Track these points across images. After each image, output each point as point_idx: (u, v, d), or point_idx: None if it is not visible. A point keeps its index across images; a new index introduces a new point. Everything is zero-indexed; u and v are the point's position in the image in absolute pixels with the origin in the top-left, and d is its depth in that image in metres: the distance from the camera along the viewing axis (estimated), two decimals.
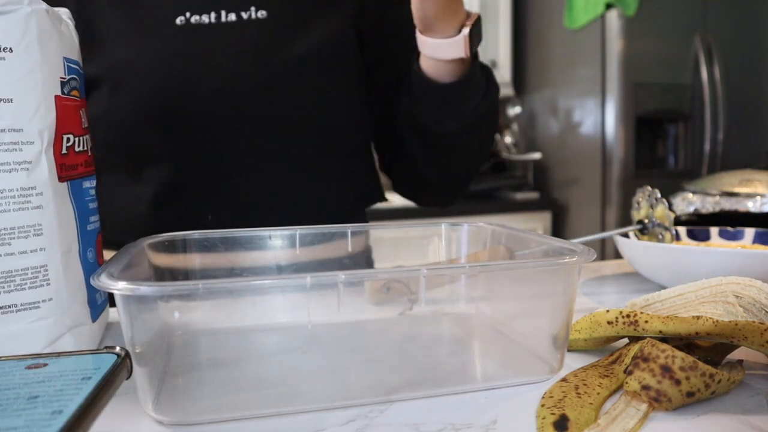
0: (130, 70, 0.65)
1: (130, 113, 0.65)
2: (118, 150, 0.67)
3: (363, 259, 0.56)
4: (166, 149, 0.66)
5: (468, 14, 0.61)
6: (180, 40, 0.66)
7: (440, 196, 0.81)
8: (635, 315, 0.36)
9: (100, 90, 0.65)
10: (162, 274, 0.44)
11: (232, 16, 0.67)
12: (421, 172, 0.75)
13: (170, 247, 0.45)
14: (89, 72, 0.63)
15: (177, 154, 0.65)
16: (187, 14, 0.67)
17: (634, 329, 0.36)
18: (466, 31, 0.59)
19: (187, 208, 0.68)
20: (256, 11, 0.68)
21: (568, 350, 0.41)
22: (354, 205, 0.77)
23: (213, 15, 0.67)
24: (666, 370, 0.31)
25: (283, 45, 0.68)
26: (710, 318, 0.33)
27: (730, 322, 0.33)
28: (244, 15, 0.68)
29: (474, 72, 0.65)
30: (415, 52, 0.68)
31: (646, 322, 0.35)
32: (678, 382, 0.31)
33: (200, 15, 0.67)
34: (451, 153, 0.72)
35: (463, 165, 0.76)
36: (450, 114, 0.67)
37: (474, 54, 0.63)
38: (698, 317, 0.33)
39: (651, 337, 0.36)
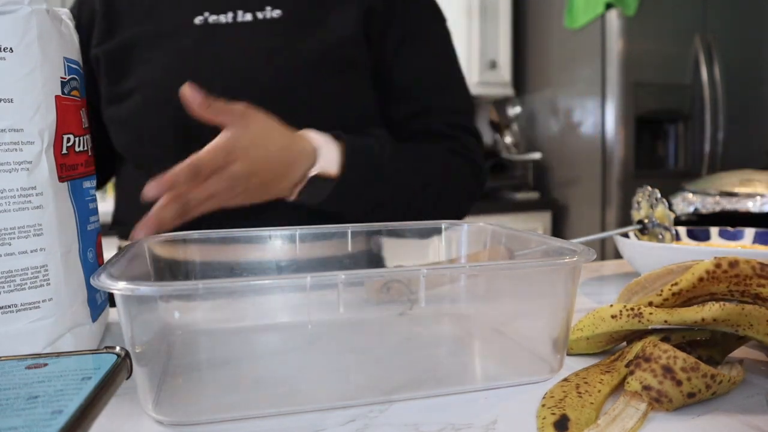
0: (151, 71, 0.67)
1: (151, 113, 0.66)
2: (140, 147, 0.68)
3: (366, 259, 0.55)
4: (181, 149, 0.63)
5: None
6: (197, 40, 0.67)
7: None
8: (639, 307, 0.36)
9: (131, 93, 0.67)
10: (162, 273, 0.44)
11: (248, 16, 0.68)
12: None
13: (170, 247, 0.45)
14: (119, 80, 0.66)
15: (189, 153, 0.64)
16: (206, 14, 0.68)
17: (639, 321, 0.35)
18: (294, 194, 0.60)
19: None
20: (272, 10, 0.68)
21: (570, 353, 0.41)
22: None
23: (230, 15, 0.68)
24: (667, 370, 0.31)
25: (295, 45, 0.68)
26: (716, 303, 0.33)
27: (736, 305, 0.33)
28: (260, 14, 0.68)
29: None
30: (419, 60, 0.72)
31: (651, 313, 0.35)
32: (679, 383, 0.31)
33: (218, 15, 0.68)
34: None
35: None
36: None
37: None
38: (704, 304, 0.33)
39: (655, 328, 0.36)
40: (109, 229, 0.76)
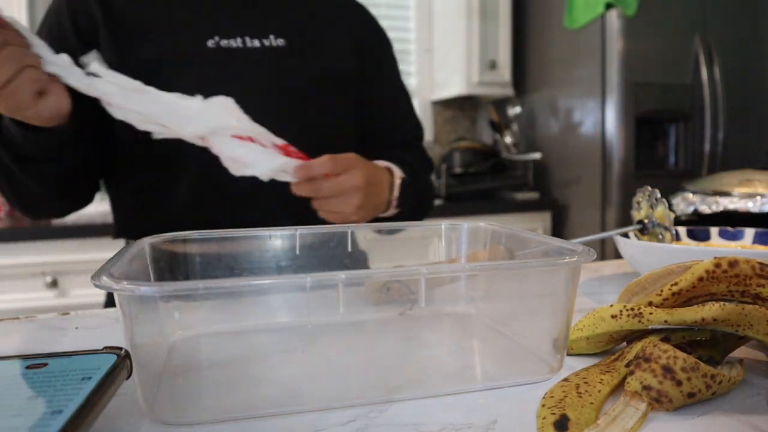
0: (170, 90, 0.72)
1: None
2: (157, 160, 0.75)
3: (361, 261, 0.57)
4: (199, 160, 0.68)
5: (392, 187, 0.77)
6: (211, 63, 0.75)
7: None
8: (639, 307, 0.36)
9: None
10: (162, 273, 0.44)
11: (256, 43, 0.77)
12: None
13: (170, 247, 0.45)
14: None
15: (208, 164, 0.66)
16: (217, 38, 0.75)
17: (639, 321, 0.35)
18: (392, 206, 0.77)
19: (218, 210, 0.77)
20: (275, 39, 0.78)
21: (570, 353, 0.41)
22: None
23: (239, 40, 0.76)
24: (667, 370, 0.31)
25: (296, 71, 0.79)
26: (716, 303, 0.33)
27: (736, 305, 0.33)
28: (266, 42, 0.78)
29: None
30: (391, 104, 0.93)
31: (651, 313, 0.35)
32: (679, 383, 0.31)
33: (228, 39, 0.76)
34: None
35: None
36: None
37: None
38: (704, 304, 0.33)
39: (655, 328, 0.36)
40: (114, 238, 0.84)
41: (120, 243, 0.87)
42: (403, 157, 0.84)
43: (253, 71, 0.76)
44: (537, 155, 2.20)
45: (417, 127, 0.96)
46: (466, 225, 0.52)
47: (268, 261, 0.49)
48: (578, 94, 2.07)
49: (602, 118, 1.96)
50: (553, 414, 0.30)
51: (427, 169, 0.92)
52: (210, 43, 0.75)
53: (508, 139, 2.35)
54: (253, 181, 0.65)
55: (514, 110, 2.38)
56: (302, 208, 0.71)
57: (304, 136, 0.73)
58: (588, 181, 2.04)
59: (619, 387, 0.34)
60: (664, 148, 2.06)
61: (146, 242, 0.42)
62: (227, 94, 0.73)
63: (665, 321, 0.35)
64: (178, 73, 0.73)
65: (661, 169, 2.05)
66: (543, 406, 0.31)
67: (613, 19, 1.89)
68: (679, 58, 1.96)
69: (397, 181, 0.76)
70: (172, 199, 0.76)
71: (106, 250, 1.60)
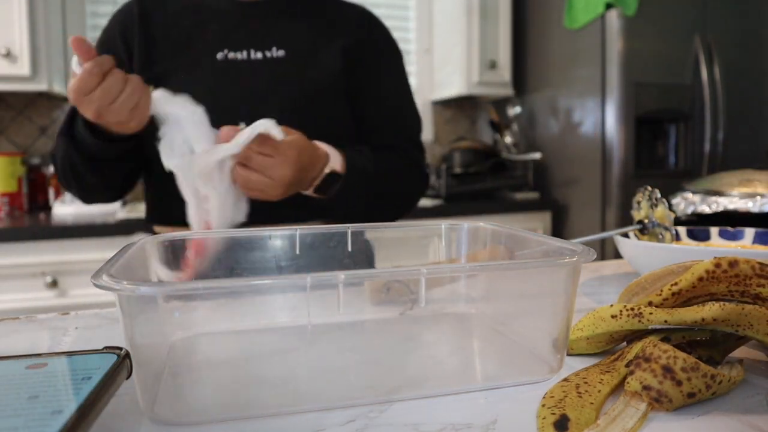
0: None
1: None
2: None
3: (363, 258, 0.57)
4: None
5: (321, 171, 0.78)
6: (220, 72, 0.85)
7: None
8: (639, 307, 0.36)
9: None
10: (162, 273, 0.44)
11: (259, 55, 0.87)
12: None
13: (171, 247, 0.45)
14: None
15: None
16: (225, 51, 0.86)
17: (639, 321, 0.35)
18: (312, 187, 0.78)
19: None
20: (277, 50, 0.87)
21: (570, 353, 0.41)
22: None
23: (244, 53, 0.86)
24: (667, 370, 0.31)
25: (295, 78, 0.87)
26: (716, 303, 0.33)
27: (736, 305, 0.33)
28: (268, 54, 0.87)
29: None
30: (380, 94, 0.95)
31: (651, 313, 0.35)
32: (679, 383, 0.31)
33: (235, 52, 0.86)
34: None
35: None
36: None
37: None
38: (704, 304, 0.33)
39: (655, 328, 0.36)
40: (145, 222, 0.96)
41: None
42: (362, 150, 0.87)
43: (255, 81, 0.85)
44: (537, 155, 2.20)
45: (405, 130, 0.97)
46: (466, 225, 0.52)
47: (268, 261, 0.49)
48: (578, 94, 2.07)
49: (602, 118, 1.96)
50: (553, 414, 0.30)
51: (398, 169, 0.93)
52: (219, 55, 0.85)
53: (508, 139, 2.35)
54: None
55: (514, 110, 2.38)
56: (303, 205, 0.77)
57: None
58: (588, 181, 2.04)
59: (619, 387, 0.34)
60: (664, 148, 2.06)
61: (146, 242, 0.42)
62: (231, 103, 0.83)
63: (665, 321, 0.35)
64: (188, 82, 0.82)
65: (661, 169, 2.05)
66: (543, 406, 0.31)
67: (613, 19, 1.89)
68: (679, 58, 1.96)
69: (326, 170, 0.78)
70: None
71: (106, 250, 1.60)
